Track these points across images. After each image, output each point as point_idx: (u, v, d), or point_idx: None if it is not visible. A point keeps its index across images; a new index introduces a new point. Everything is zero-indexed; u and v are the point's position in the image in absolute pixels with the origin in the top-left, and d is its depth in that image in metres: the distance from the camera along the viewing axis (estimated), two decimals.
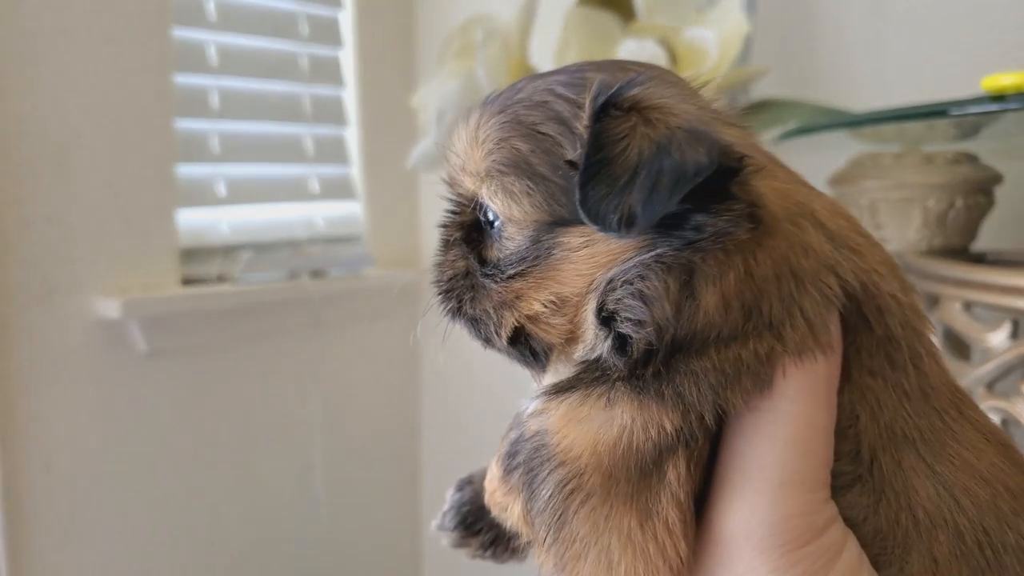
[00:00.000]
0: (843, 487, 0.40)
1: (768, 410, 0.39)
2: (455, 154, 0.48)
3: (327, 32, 1.79)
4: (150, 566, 1.51)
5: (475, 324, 0.48)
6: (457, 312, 0.49)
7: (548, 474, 0.40)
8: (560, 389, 0.42)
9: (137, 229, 1.47)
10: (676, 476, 0.38)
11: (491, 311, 0.47)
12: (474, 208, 0.48)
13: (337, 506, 1.79)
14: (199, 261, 1.59)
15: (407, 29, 1.90)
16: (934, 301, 1.12)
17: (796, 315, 0.39)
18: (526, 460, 0.42)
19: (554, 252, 0.44)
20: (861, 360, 0.41)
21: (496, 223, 0.47)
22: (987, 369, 1.01)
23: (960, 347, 1.12)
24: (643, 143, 0.40)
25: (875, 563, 0.40)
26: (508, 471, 0.44)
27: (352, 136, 1.85)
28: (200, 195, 1.60)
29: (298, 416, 1.72)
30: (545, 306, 0.45)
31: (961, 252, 1.21)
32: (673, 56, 1.18)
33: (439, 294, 0.50)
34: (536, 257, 0.45)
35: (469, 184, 0.48)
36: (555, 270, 0.44)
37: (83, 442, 1.42)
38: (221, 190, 1.62)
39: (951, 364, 1.10)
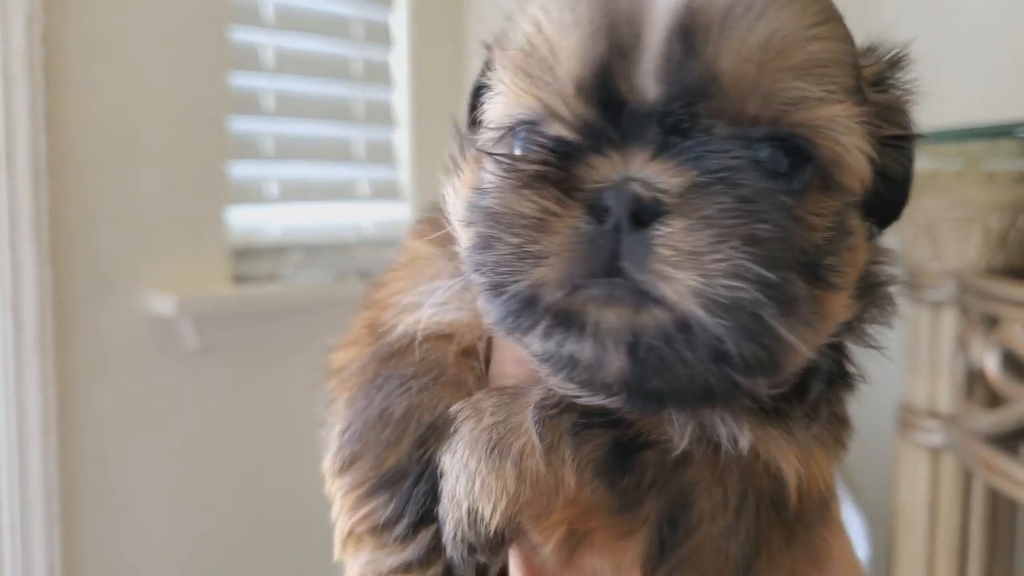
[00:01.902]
0: None
1: None
2: (791, 51, 0.34)
3: (380, 35, 1.81)
4: (196, 558, 1.53)
5: (775, 349, 0.34)
6: (767, 336, 0.33)
7: (763, 507, 0.37)
8: (777, 422, 0.38)
9: (190, 227, 1.50)
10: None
11: (797, 329, 0.34)
12: (773, 144, 0.35)
13: None
14: (250, 260, 1.61)
15: (458, 33, 1.91)
16: (993, 322, 1.10)
17: None
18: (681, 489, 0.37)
19: (849, 240, 0.37)
20: None
21: (797, 181, 0.35)
22: None
23: (1021, 369, 1.10)
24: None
25: None
26: (635, 500, 0.36)
27: (402, 139, 1.87)
28: (252, 194, 1.62)
29: None
30: (844, 312, 0.39)
31: (1022, 272, 1.19)
32: None
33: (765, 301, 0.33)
34: (840, 247, 0.37)
35: (806, 108, 0.34)
36: (850, 266, 0.38)
37: (135, 435, 1.44)
38: (273, 190, 1.65)
39: (1011, 386, 1.08)
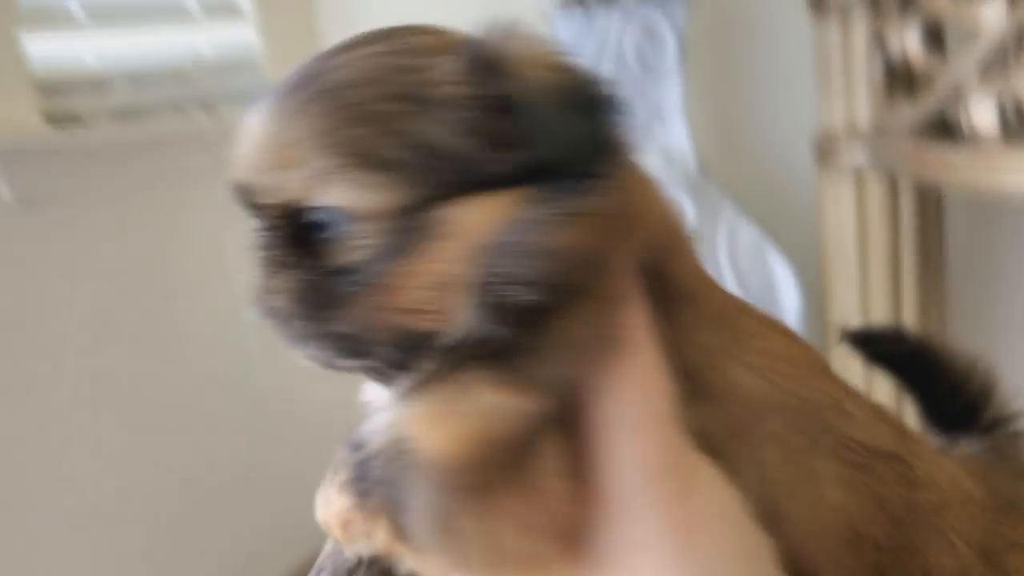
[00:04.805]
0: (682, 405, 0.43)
1: (615, 366, 0.41)
2: (262, 158, 0.44)
3: None
4: (45, 436, 1.35)
5: (344, 339, 0.43)
6: (321, 335, 0.44)
7: (421, 481, 0.38)
8: (409, 393, 0.40)
9: None
10: (553, 450, 0.39)
11: (363, 318, 0.43)
12: (296, 215, 0.44)
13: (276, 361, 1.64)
14: (63, 95, 1.37)
15: None
16: (909, 1, 0.98)
17: None
18: (385, 477, 0.38)
19: (433, 230, 0.43)
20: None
21: (339, 225, 0.44)
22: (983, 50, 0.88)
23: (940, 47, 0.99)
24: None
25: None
26: (364, 495, 0.40)
27: None
28: (49, 18, 1.36)
29: (217, 267, 1.54)
30: (429, 291, 0.43)
31: None
32: None
33: (288, 321, 0.45)
34: (406, 245, 0.43)
35: (292, 189, 0.43)
36: (434, 252, 0.43)
37: None
38: (76, 10, 1.39)
39: (934, 62, 0.98)
